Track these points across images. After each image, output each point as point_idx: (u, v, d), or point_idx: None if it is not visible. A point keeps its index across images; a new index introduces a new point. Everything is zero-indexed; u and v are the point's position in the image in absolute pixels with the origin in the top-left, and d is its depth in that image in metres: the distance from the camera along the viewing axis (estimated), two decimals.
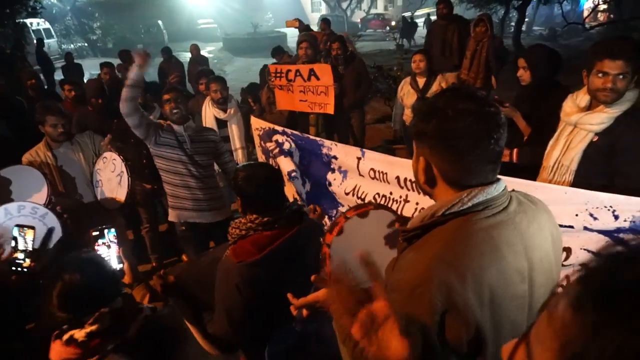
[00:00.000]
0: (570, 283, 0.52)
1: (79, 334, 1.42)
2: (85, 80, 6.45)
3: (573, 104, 2.21)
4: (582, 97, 2.18)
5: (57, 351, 1.44)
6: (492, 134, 0.98)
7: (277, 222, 1.78)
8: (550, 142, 2.32)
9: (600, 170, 2.09)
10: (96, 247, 1.97)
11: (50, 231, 2.56)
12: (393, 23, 23.72)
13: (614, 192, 1.73)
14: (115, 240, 1.99)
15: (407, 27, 21.82)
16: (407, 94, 4.69)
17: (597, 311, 0.45)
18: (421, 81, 4.57)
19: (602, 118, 2.05)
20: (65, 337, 1.43)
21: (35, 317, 3.06)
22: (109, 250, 1.99)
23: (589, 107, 2.14)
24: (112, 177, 3.17)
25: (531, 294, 1.05)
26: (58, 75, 11.83)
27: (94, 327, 1.44)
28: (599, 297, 0.46)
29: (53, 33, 21.08)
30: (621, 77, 1.96)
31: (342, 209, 3.07)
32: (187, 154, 3.16)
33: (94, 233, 2.00)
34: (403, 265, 1.04)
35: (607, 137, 2.06)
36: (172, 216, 3.37)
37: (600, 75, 1.99)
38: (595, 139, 2.10)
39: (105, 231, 1.99)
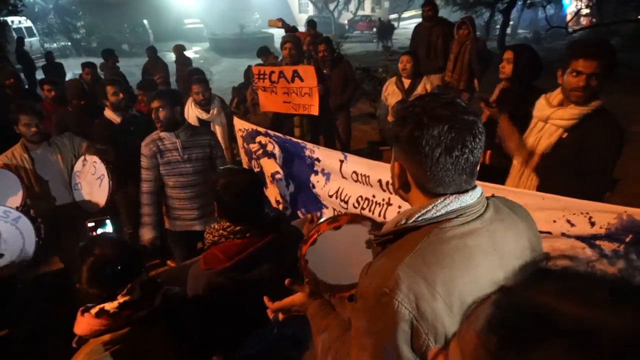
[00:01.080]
0: (482, 309, 0.51)
1: (110, 305, 1.47)
2: (66, 80, 6.31)
3: (546, 102, 2.25)
4: (555, 97, 2.22)
5: (87, 324, 1.47)
6: (466, 144, 0.94)
7: (250, 231, 1.75)
8: (522, 139, 2.35)
9: (566, 168, 2.12)
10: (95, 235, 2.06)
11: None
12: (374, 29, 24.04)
13: (579, 192, 1.76)
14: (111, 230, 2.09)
15: (384, 29, 22.53)
16: (391, 94, 4.71)
17: (500, 347, 0.44)
18: (406, 82, 4.60)
19: (572, 113, 2.09)
20: (95, 310, 1.47)
21: (15, 321, 3.01)
22: None
23: (561, 105, 2.19)
24: (92, 180, 3.11)
25: None
26: (40, 75, 11.61)
27: (127, 298, 1.49)
28: (503, 332, 0.45)
29: (35, 32, 20.69)
30: (594, 77, 2.00)
31: (325, 211, 3.06)
32: (180, 163, 3.05)
33: (90, 224, 2.09)
34: (373, 271, 1.01)
35: (576, 135, 2.10)
36: (168, 224, 3.27)
37: (574, 74, 2.04)
38: (565, 135, 2.14)
39: (107, 221, 2.10)
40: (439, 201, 0.98)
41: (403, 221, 1.01)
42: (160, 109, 2.92)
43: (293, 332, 1.59)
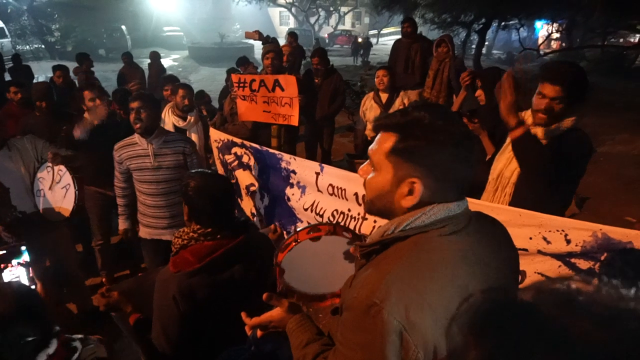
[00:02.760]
0: None
1: None
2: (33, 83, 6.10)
3: None
4: (527, 117, 2.24)
5: None
6: (473, 157, 1.01)
7: (220, 233, 1.73)
8: (497, 156, 2.38)
9: (538, 185, 2.13)
10: (7, 267, 1.76)
11: None
12: (360, 40, 24.62)
13: (552, 209, 1.77)
14: (28, 260, 1.80)
15: (358, 46, 23.85)
16: (369, 109, 4.72)
17: None
18: (384, 96, 4.62)
19: (541, 134, 2.12)
20: None
21: None
22: (22, 269, 1.81)
23: (533, 126, 2.21)
24: (56, 189, 2.97)
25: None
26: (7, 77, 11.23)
27: None
28: None
29: (7, 32, 20.06)
30: (557, 101, 2.02)
31: (300, 225, 3.01)
32: (150, 170, 2.93)
33: (0, 252, 1.77)
34: (359, 283, 0.99)
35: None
36: (140, 231, 3.15)
37: (540, 96, 2.08)
38: None
39: (22, 249, 1.81)
40: (428, 209, 0.98)
41: (391, 230, 1.00)
42: (142, 110, 2.81)
43: (271, 348, 1.53)
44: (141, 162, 2.92)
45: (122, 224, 3.21)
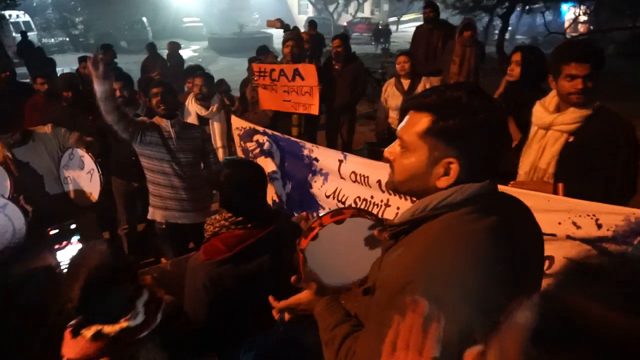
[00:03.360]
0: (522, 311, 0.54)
1: (111, 328, 1.36)
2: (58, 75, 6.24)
3: (542, 109, 2.21)
4: (550, 101, 2.19)
5: (80, 347, 1.35)
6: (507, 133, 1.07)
7: (251, 222, 1.74)
8: (523, 149, 2.31)
9: (576, 171, 2.09)
10: (60, 247, 1.86)
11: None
12: (380, 26, 24.41)
13: (590, 194, 1.72)
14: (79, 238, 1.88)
15: (379, 33, 23.70)
16: (391, 96, 4.66)
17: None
18: (406, 83, 4.56)
19: (575, 117, 2.06)
20: (91, 332, 1.35)
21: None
22: (76, 248, 1.89)
23: (558, 110, 2.15)
24: (81, 175, 3.05)
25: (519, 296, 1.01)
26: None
27: (129, 323, 1.39)
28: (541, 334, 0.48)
29: (33, 26, 20.54)
30: (589, 78, 1.99)
31: (322, 212, 3.01)
32: (171, 151, 3.04)
33: (52, 232, 1.87)
34: (391, 262, 1.00)
35: (582, 136, 2.07)
36: (155, 215, 3.23)
37: (569, 79, 2.02)
38: (571, 139, 2.10)
39: (72, 227, 1.88)
40: (461, 187, 0.97)
41: (421, 209, 1.00)
42: (165, 94, 3.02)
43: (298, 332, 1.55)
44: (163, 146, 3.03)
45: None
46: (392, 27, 26.73)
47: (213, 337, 1.78)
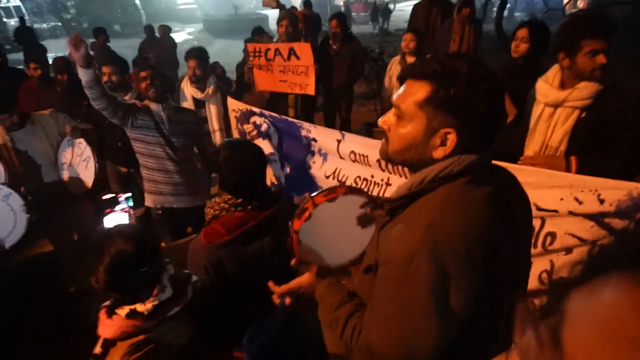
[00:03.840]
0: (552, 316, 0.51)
1: (143, 307, 1.39)
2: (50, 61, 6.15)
3: (547, 85, 2.16)
4: (554, 77, 2.14)
5: (117, 326, 1.38)
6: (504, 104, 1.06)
7: (251, 204, 1.72)
8: (530, 128, 2.26)
9: (588, 147, 2.05)
10: (111, 212, 1.88)
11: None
12: (377, 3, 24.13)
13: (605, 170, 1.70)
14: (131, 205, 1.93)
15: (377, 11, 23.42)
16: (396, 73, 4.60)
17: None
18: (410, 60, 4.51)
19: (590, 92, 2.01)
20: (125, 312, 1.38)
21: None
22: (125, 215, 1.91)
23: (563, 86, 2.10)
24: (78, 161, 3.02)
25: (517, 269, 1.05)
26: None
27: (159, 300, 1.42)
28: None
29: (24, 11, 20.16)
30: (606, 53, 1.95)
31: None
32: (164, 135, 3.01)
33: (106, 197, 1.91)
34: (394, 237, 0.99)
35: (595, 112, 2.02)
36: (148, 201, 3.22)
37: (590, 54, 1.95)
38: (583, 114, 2.06)
39: (123, 197, 1.91)
40: (456, 159, 0.97)
41: (418, 182, 0.99)
42: (154, 78, 2.95)
43: (300, 317, 1.54)
44: (155, 130, 2.99)
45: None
46: (390, 6, 26.31)
47: (217, 324, 1.78)
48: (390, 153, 1.07)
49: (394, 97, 1.03)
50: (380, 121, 1.08)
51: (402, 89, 1.02)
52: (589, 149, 2.05)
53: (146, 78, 2.94)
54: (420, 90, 0.97)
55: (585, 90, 2.02)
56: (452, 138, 0.96)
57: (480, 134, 0.98)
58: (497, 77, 0.97)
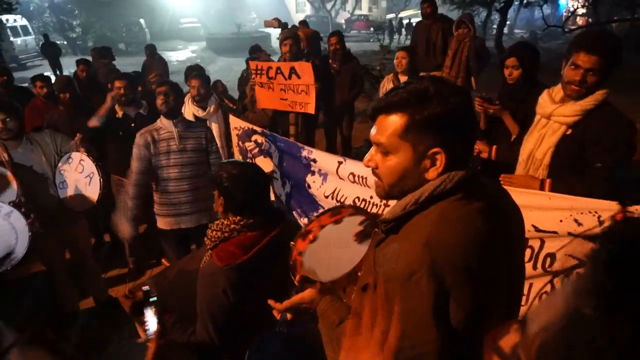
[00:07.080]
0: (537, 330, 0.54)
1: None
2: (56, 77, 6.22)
3: (548, 97, 2.18)
4: (557, 92, 2.15)
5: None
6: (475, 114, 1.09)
7: (263, 222, 1.72)
8: (526, 136, 2.29)
9: (571, 164, 2.06)
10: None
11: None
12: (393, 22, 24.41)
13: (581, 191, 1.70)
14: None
15: (392, 27, 24.09)
16: None
17: None
18: (403, 79, 4.54)
19: (574, 110, 2.02)
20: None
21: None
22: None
23: (564, 101, 2.11)
24: (79, 178, 3.01)
25: (511, 284, 1.05)
26: (35, 71, 11.45)
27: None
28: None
29: (30, 30, 20.50)
30: (592, 72, 1.92)
31: (317, 213, 2.99)
32: (174, 152, 3.02)
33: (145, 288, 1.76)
34: (391, 256, 1.00)
35: (579, 130, 2.03)
36: (161, 224, 3.19)
37: (573, 67, 1.97)
38: (569, 132, 2.07)
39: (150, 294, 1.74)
40: (446, 176, 0.99)
41: (412, 202, 1.01)
42: (169, 93, 3.01)
43: (301, 331, 1.53)
44: (166, 145, 3.01)
45: (130, 229, 3.01)
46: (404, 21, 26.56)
47: (229, 341, 1.76)
48: (387, 188, 1.08)
49: (372, 136, 1.06)
50: (364, 162, 1.10)
51: (376, 126, 1.05)
52: (569, 167, 2.05)
53: (161, 93, 3.00)
54: (396, 121, 0.99)
55: (571, 107, 2.03)
56: (440, 157, 0.98)
57: (462, 147, 1.01)
58: (463, 89, 1.03)
